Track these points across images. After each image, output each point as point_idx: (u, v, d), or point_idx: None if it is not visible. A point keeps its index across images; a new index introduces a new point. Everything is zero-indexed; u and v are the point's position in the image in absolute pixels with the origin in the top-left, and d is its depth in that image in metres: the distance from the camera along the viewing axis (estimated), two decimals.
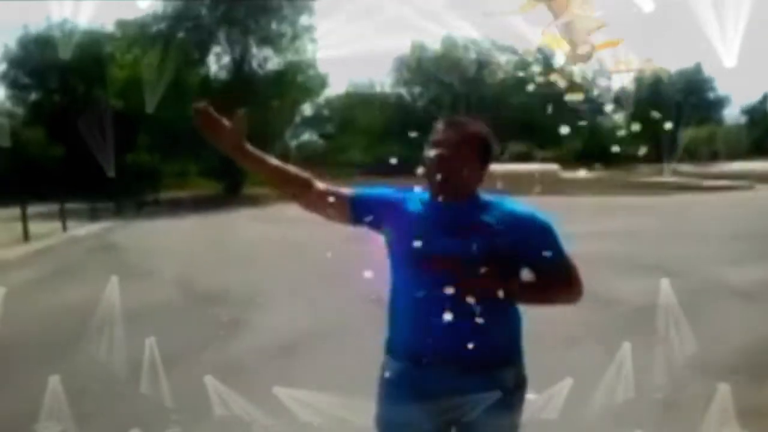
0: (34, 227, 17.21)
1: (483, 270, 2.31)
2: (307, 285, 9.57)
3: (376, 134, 49.77)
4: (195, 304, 9.02)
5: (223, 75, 36.94)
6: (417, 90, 54.44)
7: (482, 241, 2.35)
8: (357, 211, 2.57)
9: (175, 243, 16.10)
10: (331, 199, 2.56)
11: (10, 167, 26.41)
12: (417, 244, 2.38)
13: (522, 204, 2.50)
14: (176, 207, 26.48)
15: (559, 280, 2.48)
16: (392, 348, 2.54)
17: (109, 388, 5.04)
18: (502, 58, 51.03)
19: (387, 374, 2.53)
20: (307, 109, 51.58)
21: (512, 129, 47.81)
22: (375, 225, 2.57)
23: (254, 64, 36.81)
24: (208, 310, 8.52)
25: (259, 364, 6.17)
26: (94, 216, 21.83)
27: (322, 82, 39.74)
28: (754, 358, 5.96)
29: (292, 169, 2.61)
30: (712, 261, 10.96)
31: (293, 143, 56.01)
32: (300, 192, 2.59)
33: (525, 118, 42.18)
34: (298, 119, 50.83)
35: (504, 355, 2.48)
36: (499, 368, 2.45)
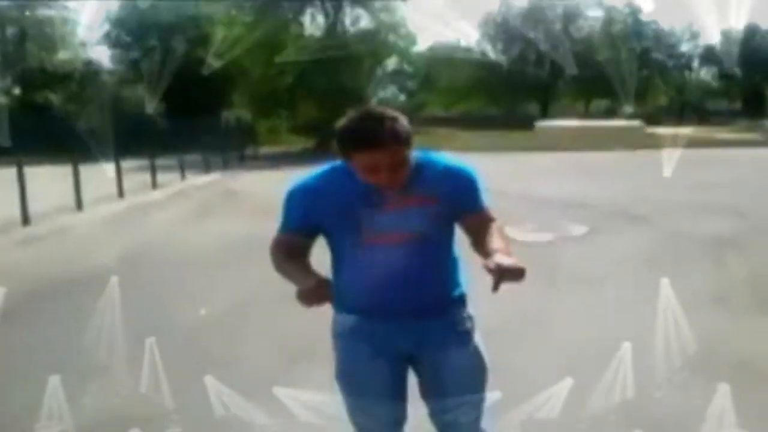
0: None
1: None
2: None
3: (458, 90, 50.23)
4: None
5: (316, 33, 38.04)
6: (501, 46, 54.34)
7: (426, 206, 2.42)
8: (304, 235, 2.52)
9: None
10: (285, 248, 2.48)
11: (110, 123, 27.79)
12: (364, 225, 2.43)
13: (449, 156, 2.55)
14: (273, 161, 27.74)
15: (487, 230, 2.43)
16: (342, 305, 2.50)
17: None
18: (589, 14, 50.65)
19: (339, 329, 2.58)
20: (389, 64, 52.32)
21: (597, 85, 47.62)
22: (321, 229, 2.53)
23: (347, 23, 37.90)
24: None
25: None
26: (207, 168, 23.45)
27: (412, 41, 40.45)
28: None
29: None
30: None
31: (374, 99, 56.51)
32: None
33: (610, 75, 42.11)
34: (379, 73, 51.54)
35: (452, 297, 2.55)
36: (451, 309, 2.55)
